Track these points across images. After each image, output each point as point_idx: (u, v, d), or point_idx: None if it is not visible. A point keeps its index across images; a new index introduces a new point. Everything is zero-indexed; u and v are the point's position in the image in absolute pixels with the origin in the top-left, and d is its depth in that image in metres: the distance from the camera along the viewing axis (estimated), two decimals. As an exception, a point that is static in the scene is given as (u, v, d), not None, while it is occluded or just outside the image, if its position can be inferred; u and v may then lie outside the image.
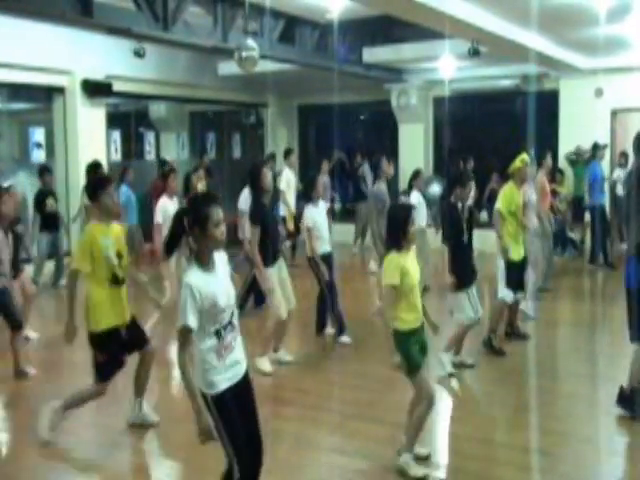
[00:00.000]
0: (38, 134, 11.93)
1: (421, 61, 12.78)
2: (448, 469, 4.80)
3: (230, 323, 3.43)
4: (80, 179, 10.68)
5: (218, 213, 3.36)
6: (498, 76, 13.65)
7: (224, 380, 3.40)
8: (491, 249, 7.60)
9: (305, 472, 4.49)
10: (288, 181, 11.77)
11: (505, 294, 7.04)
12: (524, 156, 7.14)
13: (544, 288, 9.49)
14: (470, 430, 5.35)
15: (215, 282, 3.39)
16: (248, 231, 6.96)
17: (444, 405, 5.76)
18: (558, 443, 4.93)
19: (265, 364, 6.53)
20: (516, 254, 7.05)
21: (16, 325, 6.49)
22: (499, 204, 7.10)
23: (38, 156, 11.81)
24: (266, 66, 10.56)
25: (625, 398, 5.32)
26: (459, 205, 6.39)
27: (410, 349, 4.39)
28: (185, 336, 3.30)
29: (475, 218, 6.86)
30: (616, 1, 7.93)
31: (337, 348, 7.41)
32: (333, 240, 7.98)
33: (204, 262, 3.38)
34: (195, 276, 3.34)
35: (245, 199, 8.12)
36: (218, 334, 3.38)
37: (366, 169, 13.86)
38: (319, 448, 5.00)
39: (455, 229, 6.35)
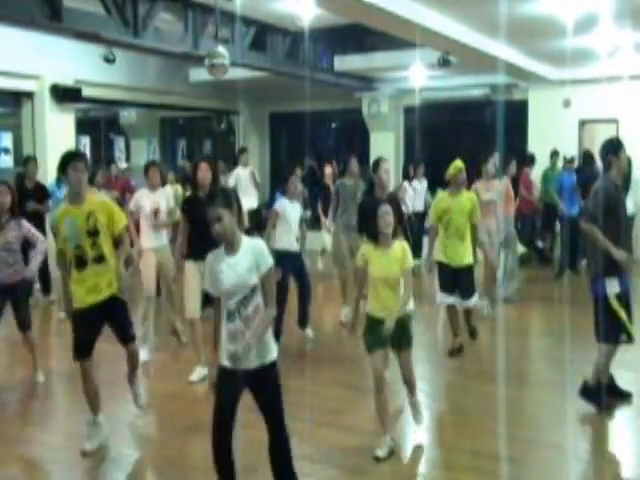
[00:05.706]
0: (5, 139, 11.79)
1: (392, 70, 12.88)
2: (414, 477, 4.81)
3: (237, 313, 3.66)
4: (48, 184, 10.46)
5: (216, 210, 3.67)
6: (468, 86, 13.79)
7: (226, 357, 3.66)
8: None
9: (274, 481, 4.47)
10: (237, 179, 11.93)
11: (438, 298, 7.32)
12: (457, 163, 7.19)
13: (509, 299, 9.55)
14: (436, 437, 5.37)
15: (227, 266, 3.66)
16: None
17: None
18: (525, 450, 4.96)
19: (197, 373, 6.40)
20: (445, 257, 7.14)
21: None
22: (429, 217, 7.52)
23: (5, 162, 11.66)
24: (237, 73, 10.55)
25: (589, 391, 5.53)
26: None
27: (368, 330, 4.85)
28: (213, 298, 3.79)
29: None
30: (583, 13, 8.06)
31: (308, 355, 7.39)
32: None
33: (227, 247, 3.71)
34: (213, 254, 3.74)
35: None
36: (229, 316, 3.69)
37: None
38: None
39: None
